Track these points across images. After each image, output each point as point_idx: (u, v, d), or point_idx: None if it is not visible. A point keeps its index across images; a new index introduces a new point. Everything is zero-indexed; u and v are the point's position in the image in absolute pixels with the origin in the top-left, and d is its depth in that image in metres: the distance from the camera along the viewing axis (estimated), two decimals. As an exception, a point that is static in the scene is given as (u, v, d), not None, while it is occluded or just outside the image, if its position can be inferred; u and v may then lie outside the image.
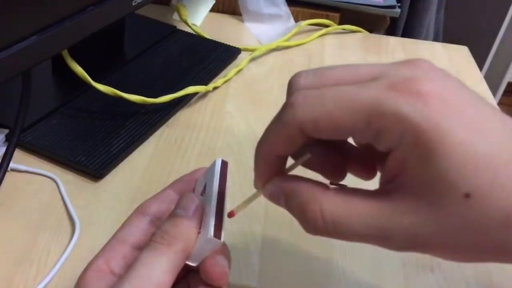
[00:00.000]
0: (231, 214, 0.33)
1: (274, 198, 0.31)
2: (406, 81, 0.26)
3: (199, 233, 0.32)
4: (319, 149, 0.30)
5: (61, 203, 0.49)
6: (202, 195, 0.34)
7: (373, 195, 0.28)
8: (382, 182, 0.28)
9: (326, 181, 0.31)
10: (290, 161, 0.31)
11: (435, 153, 0.25)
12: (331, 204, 0.28)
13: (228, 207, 0.33)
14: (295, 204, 0.29)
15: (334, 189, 0.29)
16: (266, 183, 0.31)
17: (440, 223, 0.26)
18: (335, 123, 0.26)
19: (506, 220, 0.25)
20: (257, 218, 0.50)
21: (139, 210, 0.35)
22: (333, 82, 0.28)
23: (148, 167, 0.54)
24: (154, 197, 0.36)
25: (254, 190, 0.52)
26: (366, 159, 0.32)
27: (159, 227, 0.32)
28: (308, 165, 0.31)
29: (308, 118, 0.27)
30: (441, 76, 0.27)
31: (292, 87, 0.29)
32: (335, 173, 0.32)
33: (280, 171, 0.31)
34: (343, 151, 0.32)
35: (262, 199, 0.52)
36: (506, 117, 0.27)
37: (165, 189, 0.36)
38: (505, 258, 0.27)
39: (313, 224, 0.28)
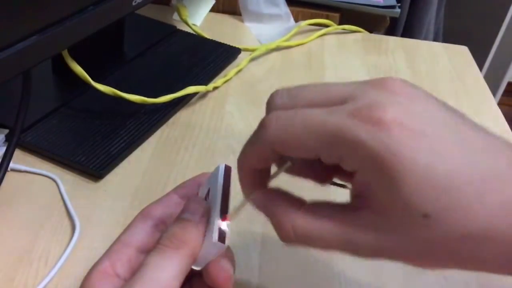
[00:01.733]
0: (225, 218, 0.33)
1: (261, 208, 0.33)
2: (369, 107, 0.27)
3: (204, 237, 0.32)
4: (299, 158, 0.31)
5: (61, 203, 0.49)
6: (206, 200, 0.34)
7: (343, 211, 0.29)
8: (352, 196, 0.30)
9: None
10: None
11: (395, 179, 0.26)
12: (302, 221, 0.30)
13: (232, 211, 0.33)
14: (271, 219, 0.32)
15: (307, 205, 0.31)
16: (250, 193, 0.33)
17: (401, 240, 0.27)
18: (302, 145, 0.28)
19: (465, 237, 0.26)
20: (257, 218, 0.50)
21: (143, 214, 0.35)
22: (306, 103, 0.29)
23: (148, 167, 0.54)
24: (158, 201, 0.36)
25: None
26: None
27: (163, 231, 0.32)
28: (291, 172, 0.33)
29: (277, 139, 0.29)
30: (407, 99, 0.28)
31: (269, 106, 0.31)
32: (319, 178, 0.33)
33: (263, 181, 0.33)
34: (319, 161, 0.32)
35: (262, 199, 0.52)
36: (474, 134, 0.28)
37: (169, 193, 0.36)
38: (469, 269, 0.28)
39: (287, 238, 0.30)
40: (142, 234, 0.34)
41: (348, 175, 0.30)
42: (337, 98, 0.29)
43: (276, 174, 0.33)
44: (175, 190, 0.37)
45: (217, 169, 0.35)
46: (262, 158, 0.31)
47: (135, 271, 0.30)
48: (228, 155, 0.57)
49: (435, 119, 0.27)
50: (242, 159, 0.32)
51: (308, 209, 0.30)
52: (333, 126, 0.27)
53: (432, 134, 0.26)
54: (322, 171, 0.32)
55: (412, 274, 0.46)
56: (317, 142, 0.28)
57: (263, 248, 0.47)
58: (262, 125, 0.30)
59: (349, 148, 0.27)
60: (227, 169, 0.35)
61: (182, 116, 0.62)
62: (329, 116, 0.27)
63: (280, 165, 0.33)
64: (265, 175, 0.33)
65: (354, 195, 0.29)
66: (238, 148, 0.61)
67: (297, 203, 0.31)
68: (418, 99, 0.28)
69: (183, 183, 0.37)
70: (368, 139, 0.26)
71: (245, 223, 0.49)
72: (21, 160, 0.52)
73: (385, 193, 0.27)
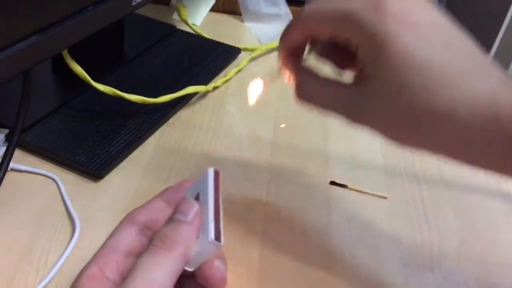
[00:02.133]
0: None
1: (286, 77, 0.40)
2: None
3: (196, 238, 0.32)
4: (325, 46, 0.39)
5: (61, 203, 0.49)
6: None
7: (345, 84, 0.37)
8: (354, 77, 0.38)
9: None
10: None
11: (382, 53, 0.32)
12: (312, 83, 0.38)
13: (223, 215, 0.34)
14: (295, 82, 0.39)
15: (320, 77, 0.38)
16: (286, 65, 0.39)
17: (379, 105, 0.34)
18: (325, 21, 0.35)
19: (429, 112, 0.32)
20: (257, 218, 0.50)
21: (129, 218, 0.35)
22: None
23: (148, 167, 0.54)
24: (143, 206, 0.36)
25: (253, 191, 0.52)
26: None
27: (148, 236, 0.32)
28: (319, 54, 0.40)
29: (310, 17, 0.36)
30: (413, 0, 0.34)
31: None
32: (338, 64, 0.39)
33: (297, 60, 0.39)
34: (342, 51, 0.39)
35: (263, 199, 0.52)
36: (462, 45, 0.34)
37: (154, 198, 0.37)
38: (430, 148, 0.34)
39: (299, 94, 0.38)
40: (128, 239, 0.34)
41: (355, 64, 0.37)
42: None
43: (307, 54, 0.40)
44: (160, 195, 0.37)
45: (206, 173, 0.35)
46: (299, 33, 0.38)
47: (125, 274, 0.30)
48: (228, 155, 0.57)
49: (429, 18, 0.34)
50: (284, 34, 0.38)
51: (322, 79, 0.38)
52: (348, 9, 0.34)
53: (422, 26, 0.33)
54: (340, 59, 0.39)
55: (412, 274, 0.46)
56: (334, 20, 0.35)
57: (263, 248, 0.47)
58: (303, 9, 0.37)
59: (354, 26, 0.33)
60: (216, 173, 0.35)
61: (182, 116, 0.62)
62: (350, 2, 0.34)
63: (310, 51, 0.40)
64: (299, 54, 0.39)
65: (356, 75, 0.37)
66: (238, 148, 0.61)
67: (314, 75, 0.38)
68: (423, 3, 0.34)
69: (168, 188, 0.37)
70: (369, 22, 0.33)
71: (245, 223, 0.49)
72: (21, 160, 0.52)
73: (373, 65, 0.33)
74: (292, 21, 0.38)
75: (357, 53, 0.35)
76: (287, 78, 0.40)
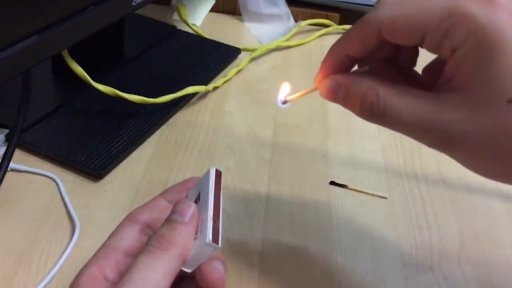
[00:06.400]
0: (285, 102, 0.35)
1: (331, 92, 0.34)
2: None
3: (195, 239, 0.32)
4: (378, 65, 0.34)
5: (61, 203, 0.49)
6: (197, 203, 0.34)
7: (424, 93, 0.30)
8: (439, 84, 0.31)
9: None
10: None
11: (493, 54, 0.27)
12: (386, 92, 0.31)
13: (223, 216, 0.34)
14: (355, 92, 0.32)
15: (390, 82, 0.32)
16: (325, 79, 0.34)
17: (478, 123, 0.28)
18: (411, 22, 0.29)
19: None
20: (257, 218, 0.50)
21: (130, 218, 0.35)
22: None
23: (148, 167, 0.54)
24: (145, 205, 0.36)
25: (253, 191, 0.52)
26: (420, 84, 0.34)
27: (149, 235, 0.32)
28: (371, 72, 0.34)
29: (387, 17, 0.30)
30: None
31: (379, 1, 0.32)
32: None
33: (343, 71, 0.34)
34: (399, 72, 0.34)
35: (263, 199, 0.52)
36: None
37: (156, 197, 0.37)
38: None
39: (369, 107, 0.31)
40: (129, 238, 0.34)
41: (426, 73, 0.32)
42: None
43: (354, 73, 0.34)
44: (162, 194, 0.37)
45: (207, 173, 0.35)
46: (363, 41, 0.32)
47: (124, 273, 0.30)
48: (228, 155, 0.57)
49: None
50: (339, 41, 0.33)
51: (393, 84, 0.31)
52: (446, 2, 0.28)
53: None
54: (395, 77, 0.33)
55: (412, 274, 0.46)
56: (426, 17, 0.29)
57: (263, 248, 0.47)
58: (373, 8, 0.31)
59: (458, 19, 0.28)
60: (218, 173, 0.35)
61: (182, 116, 0.62)
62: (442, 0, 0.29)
63: (359, 67, 0.35)
64: (347, 69, 0.34)
65: (438, 86, 0.30)
66: (238, 148, 0.61)
67: (380, 78, 0.32)
68: None
69: (171, 187, 0.37)
70: (479, 14, 0.27)
71: (245, 223, 0.49)
72: (21, 160, 0.52)
73: (478, 69, 0.27)
74: (360, 22, 0.32)
75: (451, 57, 0.29)
76: (328, 93, 0.34)
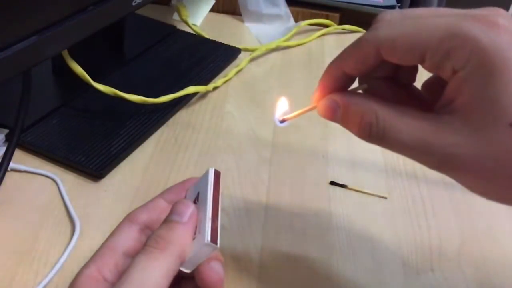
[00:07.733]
0: (282, 120, 0.35)
1: (330, 112, 0.33)
2: (484, 14, 0.28)
3: (193, 239, 0.32)
4: (376, 83, 0.33)
5: (61, 203, 0.49)
6: (195, 203, 0.34)
7: (425, 114, 0.30)
8: (439, 105, 0.30)
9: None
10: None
11: (495, 77, 0.26)
12: (385, 113, 0.30)
13: (222, 215, 0.34)
14: (353, 113, 0.32)
15: (389, 102, 0.31)
16: (323, 98, 0.33)
17: (480, 146, 0.27)
18: (411, 42, 0.29)
19: None
20: (257, 218, 0.50)
21: (129, 218, 0.35)
22: (415, 16, 0.31)
23: (148, 167, 0.54)
24: (144, 205, 0.36)
25: (253, 191, 0.52)
26: (419, 100, 0.34)
27: (149, 236, 0.32)
28: (368, 91, 0.34)
29: (387, 36, 0.30)
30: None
31: (377, 20, 0.32)
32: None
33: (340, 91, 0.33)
34: (399, 91, 0.34)
35: (263, 199, 0.52)
36: None
37: (155, 198, 0.37)
38: None
39: (368, 129, 0.31)
40: (128, 239, 0.34)
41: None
42: (448, 12, 0.30)
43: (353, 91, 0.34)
44: (162, 195, 0.37)
45: (206, 173, 0.35)
46: (361, 59, 0.31)
47: (122, 274, 0.30)
48: (228, 155, 0.57)
49: None
50: (337, 59, 0.32)
51: (392, 105, 0.31)
52: (446, 23, 0.28)
53: None
54: (395, 95, 0.33)
55: (412, 274, 0.46)
56: (427, 37, 0.28)
57: (263, 248, 0.47)
58: (372, 27, 0.31)
59: (460, 40, 0.27)
60: (217, 174, 0.35)
61: (182, 116, 0.62)
62: (442, 18, 0.29)
63: (358, 85, 0.34)
64: (344, 88, 0.33)
65: (439, 107, 0.30)
66: (238, 148, 0.61)
67: (379, 99, 0.31)
68: None
69: (170, 188, 0.37)
70: (482, 36, 0.27)
71: (245, 223, 0.49)
72: (21, 160, 0.52)
73: (480, 91, 0.27)
74: (359, 40, 0.31)
75: (452, 78, 0.28)
76: (326, 112, 0.33)
